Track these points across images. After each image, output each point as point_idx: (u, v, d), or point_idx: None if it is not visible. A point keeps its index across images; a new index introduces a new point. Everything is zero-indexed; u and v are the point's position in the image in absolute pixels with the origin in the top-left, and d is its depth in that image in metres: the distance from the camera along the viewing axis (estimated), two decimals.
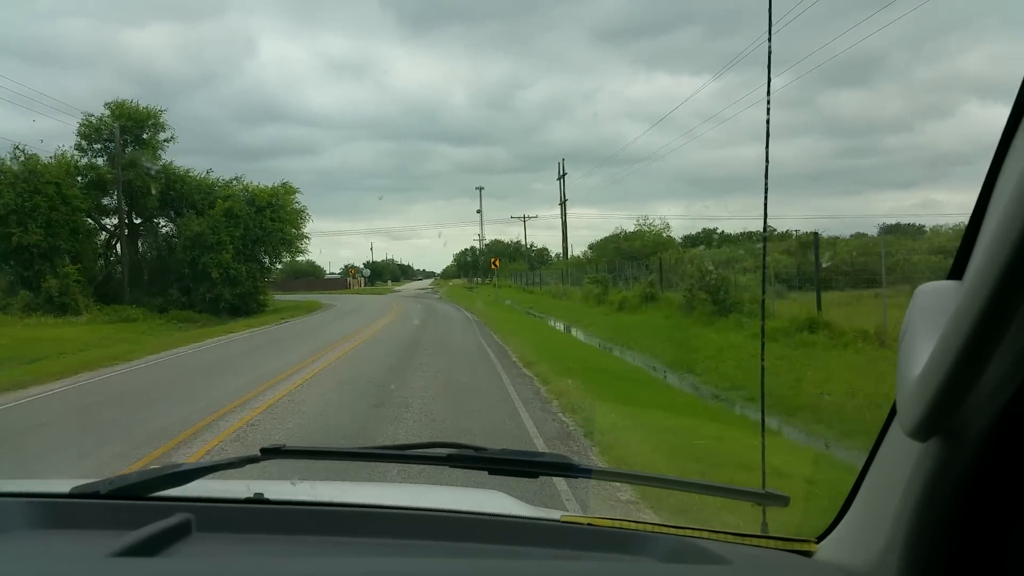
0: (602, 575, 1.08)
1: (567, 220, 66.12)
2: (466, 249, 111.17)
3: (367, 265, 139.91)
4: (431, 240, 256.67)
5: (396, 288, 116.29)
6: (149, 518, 1.19)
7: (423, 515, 1.42)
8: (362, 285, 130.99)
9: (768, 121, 1.54)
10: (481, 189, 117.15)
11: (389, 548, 1.29)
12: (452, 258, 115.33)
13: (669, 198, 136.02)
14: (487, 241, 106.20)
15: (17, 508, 1.34)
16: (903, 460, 0.88)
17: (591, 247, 65.85)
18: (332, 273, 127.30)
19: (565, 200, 73.28)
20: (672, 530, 1.31)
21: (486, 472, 1.49)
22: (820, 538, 1.23)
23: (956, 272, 0.83)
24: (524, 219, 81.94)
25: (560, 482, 5.32)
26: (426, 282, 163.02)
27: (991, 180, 0.77)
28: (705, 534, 1.30)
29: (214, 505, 1.41)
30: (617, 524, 1.35)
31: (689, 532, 1.30)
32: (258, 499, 1.43)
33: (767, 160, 1.50)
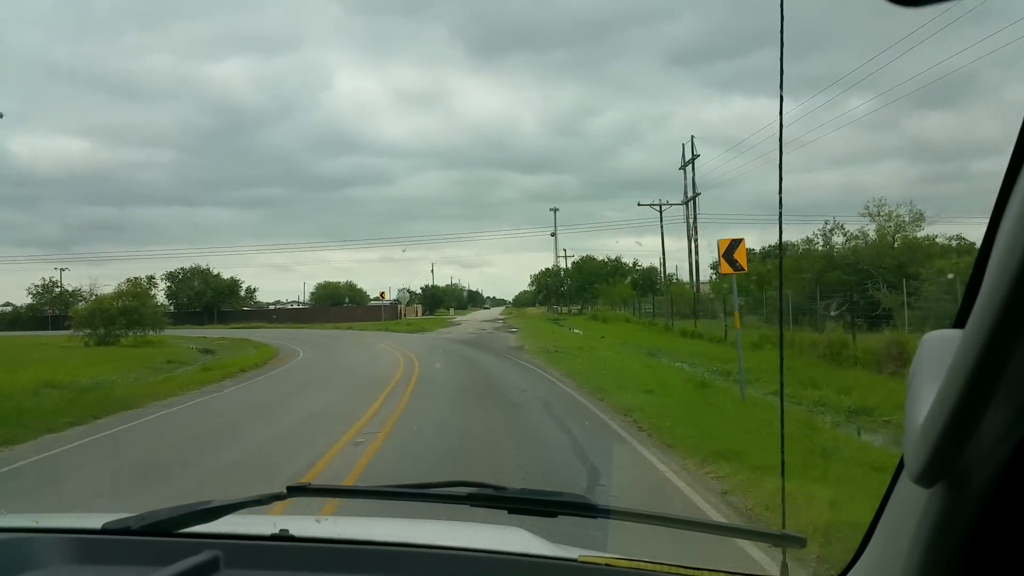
0: None
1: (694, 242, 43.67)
2: (546, 269, 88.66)
3: (425, 290, 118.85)
4: (501, 268, 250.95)
5: (457, 318, 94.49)
6: (178, 554, 1.20)
7: (444, 554, 1.45)
8: (419, 314, 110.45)
9: (780, 141, 1.58)
10: (556, 210, 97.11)
11: None
12: (529, 280, 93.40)
13: (743, 225, 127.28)
14: (575, 258, 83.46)
15: (52, 544, 1.38)
16: (912, 505, 0.90)
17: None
18: (376, 299, 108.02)
19: (696, 194, 50.35)
20: (691, 571, 1.31)
21: (506, 512, 1.51)
22: None
23: (960, 320, 0.84)
24: (659, 208, 58.67)
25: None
26: (495, 310, 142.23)
27: (992, 229, 0.78)
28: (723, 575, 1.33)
29: (241, 542, 1.44)
30: (635, 565, 1.36)
31: (707, 574, 1.31)
32: (284, 535, 1.47)
33: (780, 177, 1.59)
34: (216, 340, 42.61)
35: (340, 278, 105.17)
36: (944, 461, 0.74)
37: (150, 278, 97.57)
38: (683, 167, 50.33)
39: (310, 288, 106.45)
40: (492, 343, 32.77)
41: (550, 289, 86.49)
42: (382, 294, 56.66)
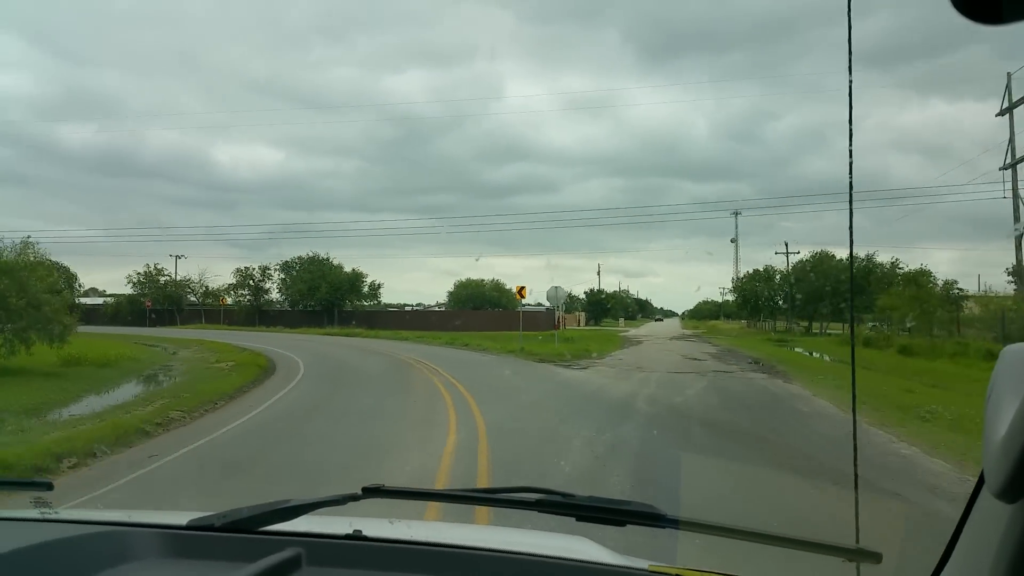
0: None
1: None
2: (755, 271, 64.94)
3: (589, 296, 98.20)
4: (666, 278, 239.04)
5: (629, 329, 73.15)
6: (260, 552, 1.23)
7: (511, 558, 1.46)
8: (581, 323, 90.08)
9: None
10: (737, 214, 77.08)
11: None
12: (731, 283, 70.45)
13: (941, 240, 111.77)
14: (801, 255, 59.46)
15: (145, 538, 1.45)
16: (994, 522, 0.87)
17: None
18: (527, 304, 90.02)
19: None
20: None
21: (573, 519, 1.49)
22: None
23: None
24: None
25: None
26: (671, 322, 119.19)
27: None
28: None
29: (319, 540, 1.49)
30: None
31: None
32: (358, 536, 1.53)
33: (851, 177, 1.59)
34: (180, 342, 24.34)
35: (499, 283, 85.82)
36: None
37: (264, 269, 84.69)
38: (1001, 113, 26.57)
39: (450, 287, 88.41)
40: (797, 422, 11.95)
41: (757, 299, 62.92)
42: (521, 291, 36.06)
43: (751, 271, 66.47)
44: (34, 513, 1.69)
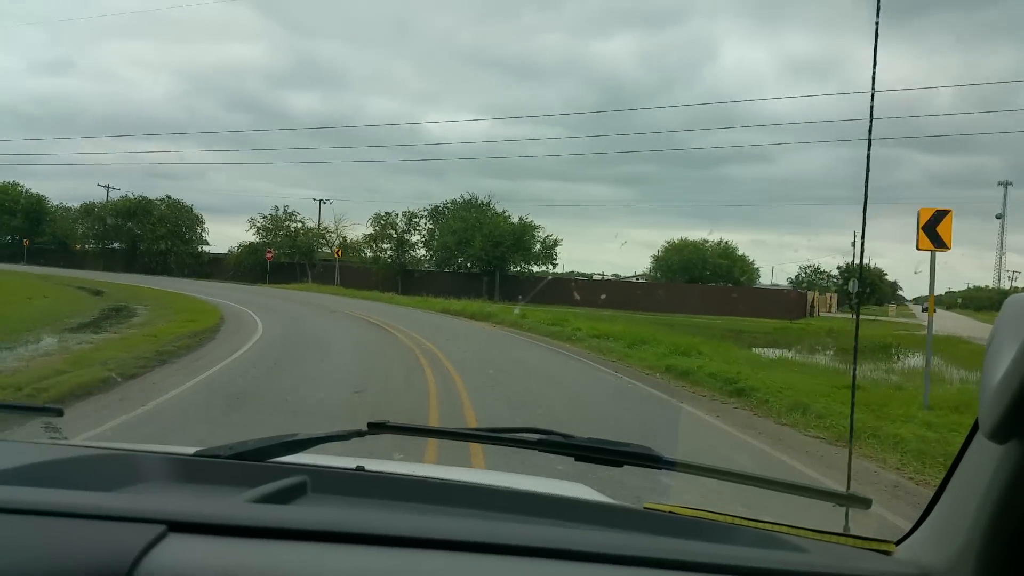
0: (682, 551, 1.07)
1: None
2: None
3: (844, 273, 72.01)
4: (891, 259, 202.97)
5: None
6: (266, 478, 1.28)
7: (510, 492, 1.49)
8: (832, 308, 65.35)
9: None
10: (1008, 184, 50.66)
11: (475, 516, 1.35)
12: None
13: None
14: None
15: (157, 462, 1.46)
16: (984, 464, 0.91)
17: None
18: (764, 283, 65.82)
19: None
20: (752, 523, 1.33)
21: (572, 459, 1.50)
22: (900, 541, 1.22)
23: None
24: None
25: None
26: (947, 314, 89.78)
27: None
28: (785, 528, 1.32)
29: (324, 470, 1.48)
30: (699, 514, 1.38)
31: (769, 526, 1.33)
32: (362, 470, 1.55)
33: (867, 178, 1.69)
34: None
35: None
36: (1020, 417, 0.76)
37: (410, 216, 51.01)
38: None
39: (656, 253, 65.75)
40: None
41: None
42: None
43: None
44: (44, 438, 1.75)
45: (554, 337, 20.82)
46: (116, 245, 67.23)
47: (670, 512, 1.39)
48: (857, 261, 69.92)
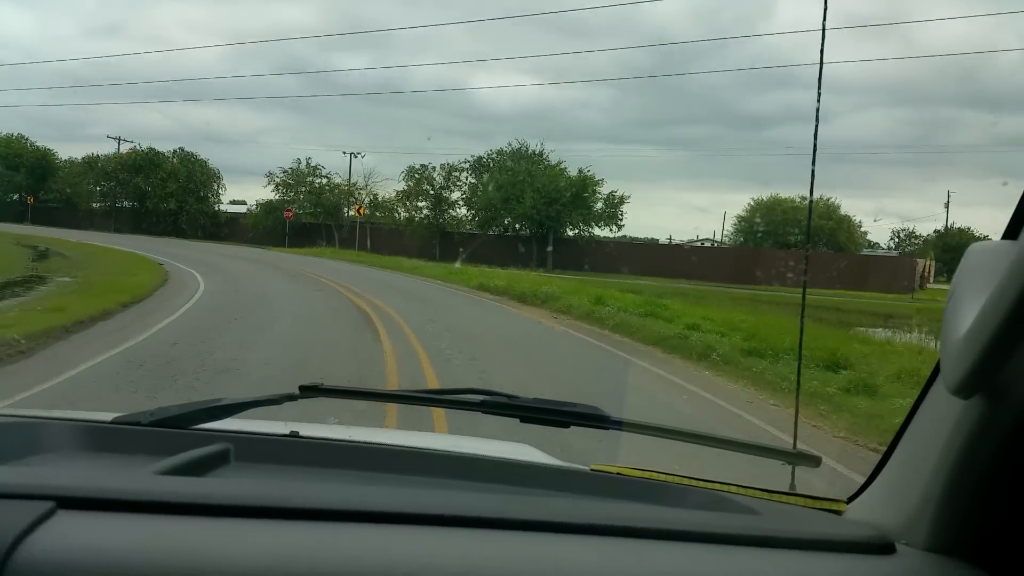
0: (631, 517, 1.04)
1: None
2: None
3: (942, 236, 63.08)
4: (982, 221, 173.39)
5: None
6: (187, 446, 1.21)
7: (453, 456, 1.46)
8: (930, 278, 57.07)
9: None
10: None
11: (418, 484, 1.31)
12: None
13: None
14: None
15: (65, 430, 1.37)
16: (944, 419, 0.89)
17: None
18: (873, 245, 56.12)
19: None
20: (701, 483, 1.31)
21: (518, 420, 1.46)
22: (851, 499, 1.20)
23: (1011, 232, 0.83)
24: None
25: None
26: None
27: None
28: (734, 489, 1.30)
29: (251, 436, 1.42)
30: (646, 475, 1.36)
31: (718, 486, 1.30)
32: (294, 436, 1.46)
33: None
34: None
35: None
36: (986, 372, 0.75)
37: (450, 170, 35.89)
38: None
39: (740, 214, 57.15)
40: None
41: None
42: None
43: None
44: None
45: (689, 357, 11.77)
46: (124, 204, 61.04)
47: (617, 474, 1.35)
48: (950, 224, 61.44)
